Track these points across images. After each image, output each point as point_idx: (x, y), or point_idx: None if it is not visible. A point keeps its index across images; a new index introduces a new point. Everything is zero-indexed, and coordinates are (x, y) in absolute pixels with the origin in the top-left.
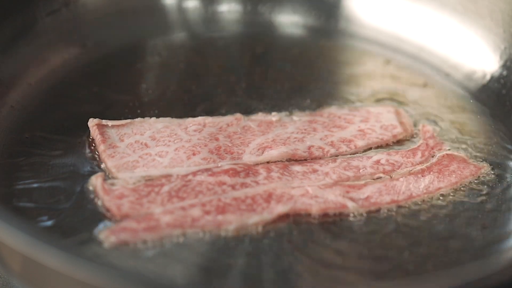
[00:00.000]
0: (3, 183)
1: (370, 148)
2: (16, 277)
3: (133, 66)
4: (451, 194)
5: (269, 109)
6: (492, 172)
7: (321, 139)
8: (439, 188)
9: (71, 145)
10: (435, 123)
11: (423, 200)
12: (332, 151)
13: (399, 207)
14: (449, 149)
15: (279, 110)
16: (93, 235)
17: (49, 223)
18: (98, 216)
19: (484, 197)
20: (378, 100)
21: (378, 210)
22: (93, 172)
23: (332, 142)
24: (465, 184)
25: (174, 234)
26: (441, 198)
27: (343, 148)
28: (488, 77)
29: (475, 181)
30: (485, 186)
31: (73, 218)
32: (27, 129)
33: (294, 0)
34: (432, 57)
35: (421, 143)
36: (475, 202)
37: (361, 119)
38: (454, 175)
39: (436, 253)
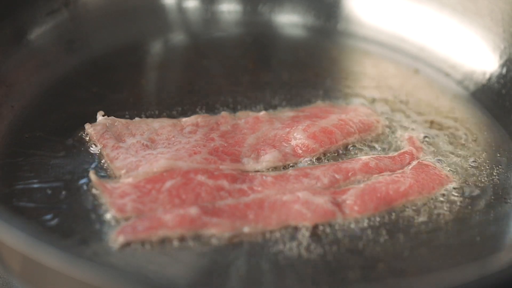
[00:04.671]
0: (3, 183)
1: (352, 146)
2: (16, 277)
3: (133, 66)
4: (439, 198)
5: (268, 109)
6: (489, 174)
7: (303, 129)
8: (421, 193)
9: (71, 145)
10: (435, 123)
11: (406, 206)
12: (314, 146)
13: (388, 212)
14: (427, 158)
15: (278, 109)
16: (93, 235)
17: (49, 223)
18: (98, 215)
19: (481, 198)
20: (377, 100)
21: (366, 217)
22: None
23: (314, 133)
24: (457, 187)
25: (175, 235)
26: (431, 200)
27: (325, 140)
28: (488, 76)
29: (473, 183)
30: (478, 188)
31: (73, 218)
32: (27, 129)
33: (294, 0)
34: (432, 57)
35: (408, 149)
36: (470, 203)
37: (341, 112)
38: (432, 183)
39: (433, 255)
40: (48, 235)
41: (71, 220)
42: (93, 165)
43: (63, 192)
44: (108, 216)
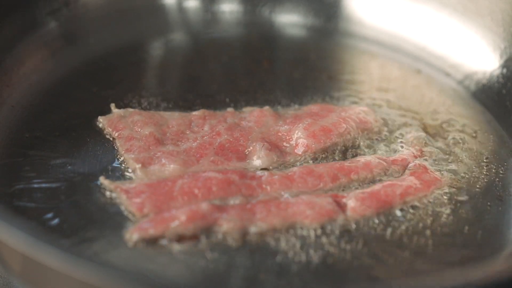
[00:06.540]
0: (3, 183)
1: (352, 145)
2: (16, 277)
3: (133, 66)
4: (438, 198)
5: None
6: (489, 174)
7: (304, 128)
8: (420, 194)
9: (71, 145)
10: (435, 123)
11: (405, 208)
12: (314, 145)
13: (388, 213)
14: (425, 159)
15: (279, 109)
16: (94, 235)
17: (50, 222)
18: (98, 215)
19: (481, 198)
20: (377, 99)
21: (366, 218)
22: (93, 172)
23: (314, 132)
24: (456, 187)
25: (188, 231)
26: (430, 201)
27: (325, 139)
28: (488, 76)
29: (473, 183)
30: (478, 188)
31: (73, 218)
32: (27, 129)
33: (294, 0)
34: (432, 57)
35: (408, 150)
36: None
37: (341, 111)
38: (431, 184)
39: (434, 255)
40: (48, 235)
41: (71, 220)
42: (92, 165)
43: (63, 192)
44: (110, 215)
